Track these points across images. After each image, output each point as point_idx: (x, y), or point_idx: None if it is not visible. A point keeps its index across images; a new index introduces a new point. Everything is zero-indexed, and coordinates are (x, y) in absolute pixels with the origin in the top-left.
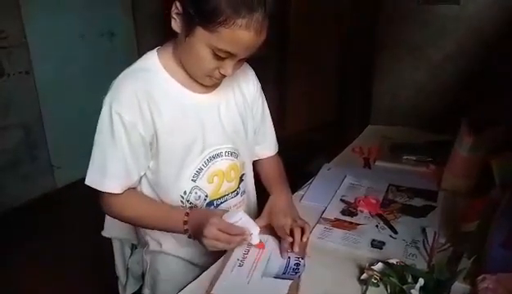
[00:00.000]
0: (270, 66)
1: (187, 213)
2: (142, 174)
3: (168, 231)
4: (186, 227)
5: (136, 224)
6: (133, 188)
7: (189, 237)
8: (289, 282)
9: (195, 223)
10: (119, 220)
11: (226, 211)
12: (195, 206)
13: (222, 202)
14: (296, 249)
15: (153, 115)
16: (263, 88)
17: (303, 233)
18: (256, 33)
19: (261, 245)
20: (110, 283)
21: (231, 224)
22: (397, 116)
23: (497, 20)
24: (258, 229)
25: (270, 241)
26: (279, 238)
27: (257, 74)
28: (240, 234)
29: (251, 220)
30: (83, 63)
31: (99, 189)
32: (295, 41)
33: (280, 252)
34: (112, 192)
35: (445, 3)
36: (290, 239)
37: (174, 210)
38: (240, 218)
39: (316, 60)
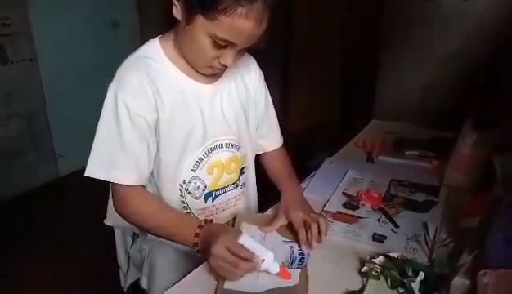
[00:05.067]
0: (272, 62)
1: (201, 226)
2: (153, 165)
3: (174, 240)
4: (196, 240)
5: (144, 226)
6: (143, 186)
7: (197, 251)
8: (298, 271)
9: (206, 237)
10: (128, 219)
11: (240, 231)
12: (194, 196)
13: (220, 194)
14: (314, 245)
15: (156, 101)
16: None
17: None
18: (256, 23)
19: (286, 275)
20: (112, 273)
21: (241, 245)
22: (400, 113)
23: (504, 18)
24: (271, 255)
25: (274, 233)
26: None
27: None
28: (249, 259)
29: (259, 245)
30: (87, 51)
31: (104, 179)
32: (298, 37)
33: (300, 246)
34: (122, 183)
35: None
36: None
37: (188, 218)
38: (244, 242)
39: (319, 57)
